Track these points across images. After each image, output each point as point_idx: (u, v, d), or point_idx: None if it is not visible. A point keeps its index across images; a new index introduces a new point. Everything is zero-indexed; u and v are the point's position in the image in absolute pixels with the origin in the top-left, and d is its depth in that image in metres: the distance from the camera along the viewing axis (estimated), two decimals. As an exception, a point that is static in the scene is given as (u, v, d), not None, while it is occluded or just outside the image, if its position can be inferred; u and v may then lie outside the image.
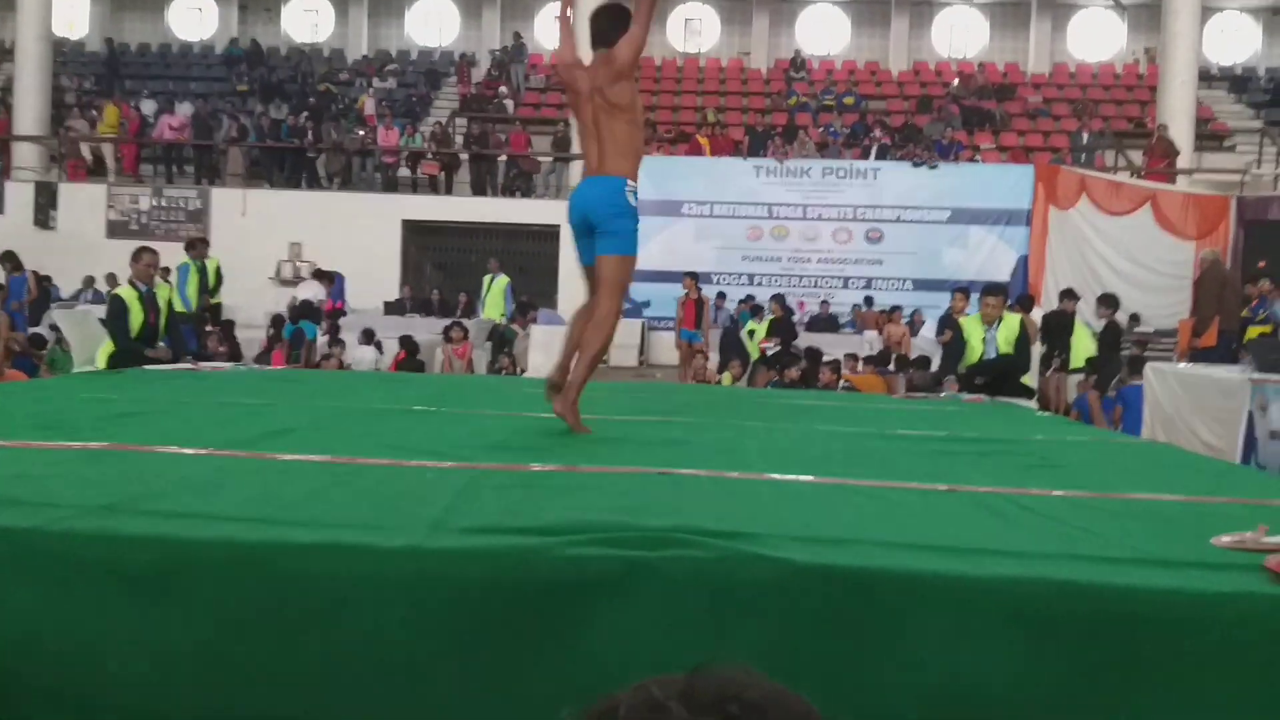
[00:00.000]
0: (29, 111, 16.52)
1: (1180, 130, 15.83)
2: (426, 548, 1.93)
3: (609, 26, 3.68)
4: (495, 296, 13.34)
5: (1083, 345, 9.18)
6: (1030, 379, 6.39)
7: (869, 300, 14.67)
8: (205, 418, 3.70)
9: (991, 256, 14.87)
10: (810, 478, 2.80)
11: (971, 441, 3.79)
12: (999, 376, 6.05)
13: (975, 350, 6.09)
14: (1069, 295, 9.99)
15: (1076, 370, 8.94)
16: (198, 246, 11.64)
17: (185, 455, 2.79)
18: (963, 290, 8.37)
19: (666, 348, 14.61)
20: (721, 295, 14.07)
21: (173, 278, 10.60)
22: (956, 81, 20.17)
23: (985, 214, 15.16)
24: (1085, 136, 17.17)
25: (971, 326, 6.16)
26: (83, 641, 1.91)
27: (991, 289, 6.38)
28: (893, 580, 1.84)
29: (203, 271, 11.41)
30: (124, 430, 3.22)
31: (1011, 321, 6.16)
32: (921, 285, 14.98)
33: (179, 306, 7.73)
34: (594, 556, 1.92)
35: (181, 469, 2.60)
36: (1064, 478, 2.98)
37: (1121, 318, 14.03)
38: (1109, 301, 9.54)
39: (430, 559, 1.91)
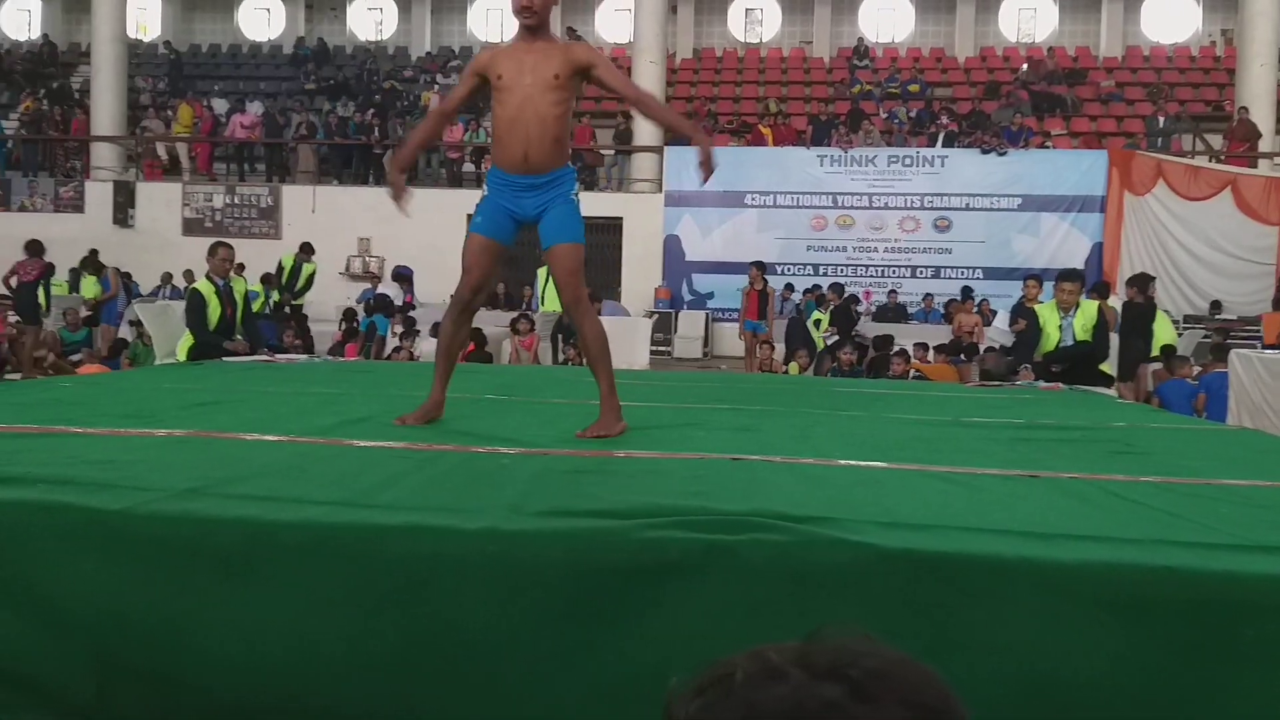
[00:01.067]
0: (106, 113, 17.01)
1: (1261, 113, 15.33)
2: (505, 529, 1.94)
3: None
4: (552, 289, 13.41)
5: (1163, 333, 8.93)
6: (1109, 366, 6.22)
7: (967, 291, 13.95)
8: (284, 406, 3.77)
9: (1064, 244, 14.56)
10: (886, 464, 2.75)
11: (1051, 428, 3.71)
12: (1076, 364, 5.91)
13: (1051, 338, 5.94)
14: (1140, 281, 9.66)
15: (1156, 358, 8.69)
16: (305, 250, 12.78)
17: (266, 442, 2.84)
18: (1035, 277, 8.19)
19: (730, 340, 14.56)
20: (789, 287, 13.97)
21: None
22: (1025, 67, 19.77)
23: (1057, 201, 14.84)
24: (1161, 121, 16.71)
25: (1047, 313, 6.01)
26: (171, 621, 1.95)
27: (1068, 274, 6.21)
28: (979, 565, 1.80)
29: (296, 272, 12.20)
30: (206, 418, 3.29)
31: (1089, 308, 6.00)
32: (992, 274, 14.72)
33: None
34: (672, 539, 1.91)
35: (263, 455, 2.65)
36: (1151, 464, 2.89)
37: (1200, 303, 13.63)
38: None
39: (508, 540, 1.92)
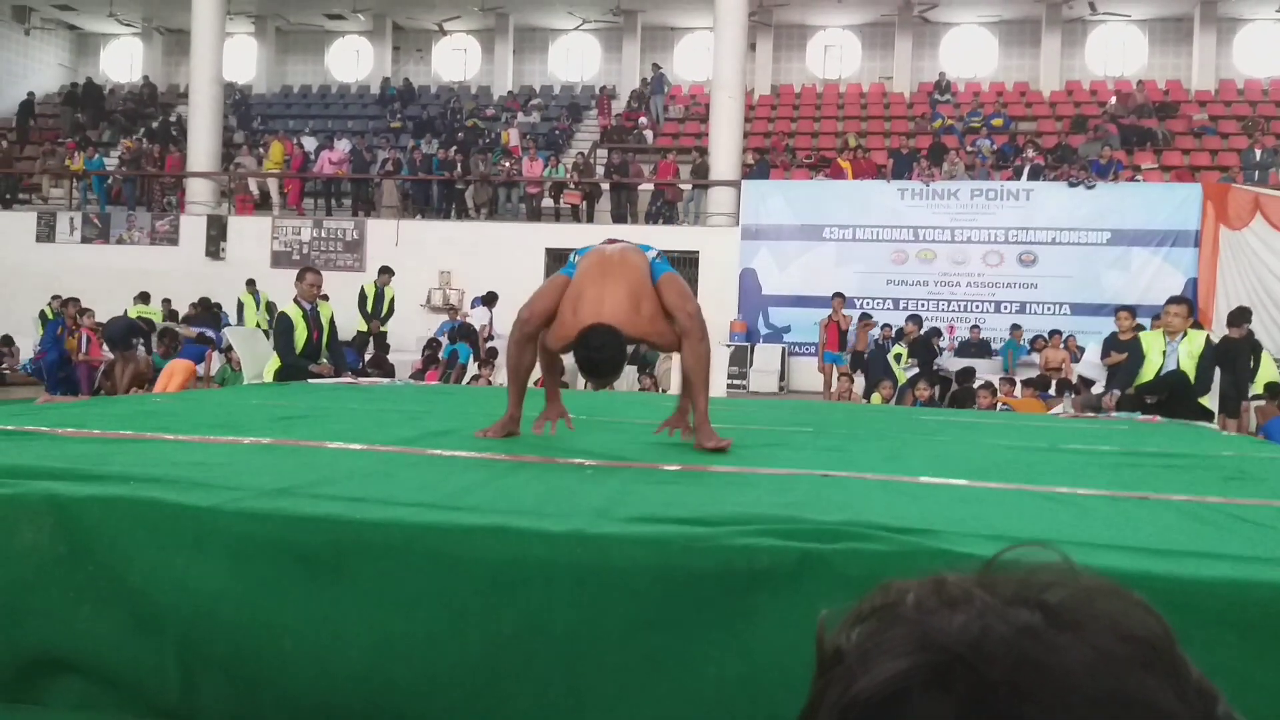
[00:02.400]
0: (202, 150, 17.61)
1: (1366, 144, 14.72)
2: (592, 533, 1.89)
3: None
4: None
5: (1266, 370, 8.57)
6: (1209, 401, 5.92)
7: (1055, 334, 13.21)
8: (368, 421, 3.79)
9: (1157, 279, 14.06)
10: (984, 483, 2.64)
11: (1155, 455, 3.53)
12: (1173, 396, 5.64)
13: (1153, 365, 5.67)
14: (1241, 318, 9.28)
15: (1258, 396, 8.33)
16: (385, 273, 13.12)
17: (352, 450, 2.84)
18: (1128, 309, 7.90)
19: (806, 374, 14.38)
20: (865, 317, 13.78)
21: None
22: (1114, 100, 19.33)
23: (1149, 235, 14.39)
24: (1258, 154, 16.17)
25: (1151, 339, 5.74)
26: (257, 618, 1.94)
27: (1176, 299, 5.93)
28: (1097, 578, 1.68)
29: (380, 298, 12.68)
30: (293, 430, 3.32)
31: (1196, 338, 5.71)
32: (1079, 310, 14.29)
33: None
34: (764, 547, 1.84)
35: (348, 461, 2.65)
36: (1269, 489, 2.73)
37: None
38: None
39: (596, 544, 1.87)
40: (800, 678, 1.46)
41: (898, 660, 0.45)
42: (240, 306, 13.92)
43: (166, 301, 14.98)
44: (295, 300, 6.79)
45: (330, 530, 1.94)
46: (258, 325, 12.97)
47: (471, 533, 1.90)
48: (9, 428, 2.93)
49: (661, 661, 1.81)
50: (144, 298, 14.48)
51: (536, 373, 3.65)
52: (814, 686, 0.51)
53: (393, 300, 13.09)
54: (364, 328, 12.71)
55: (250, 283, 14.25)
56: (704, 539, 1.87)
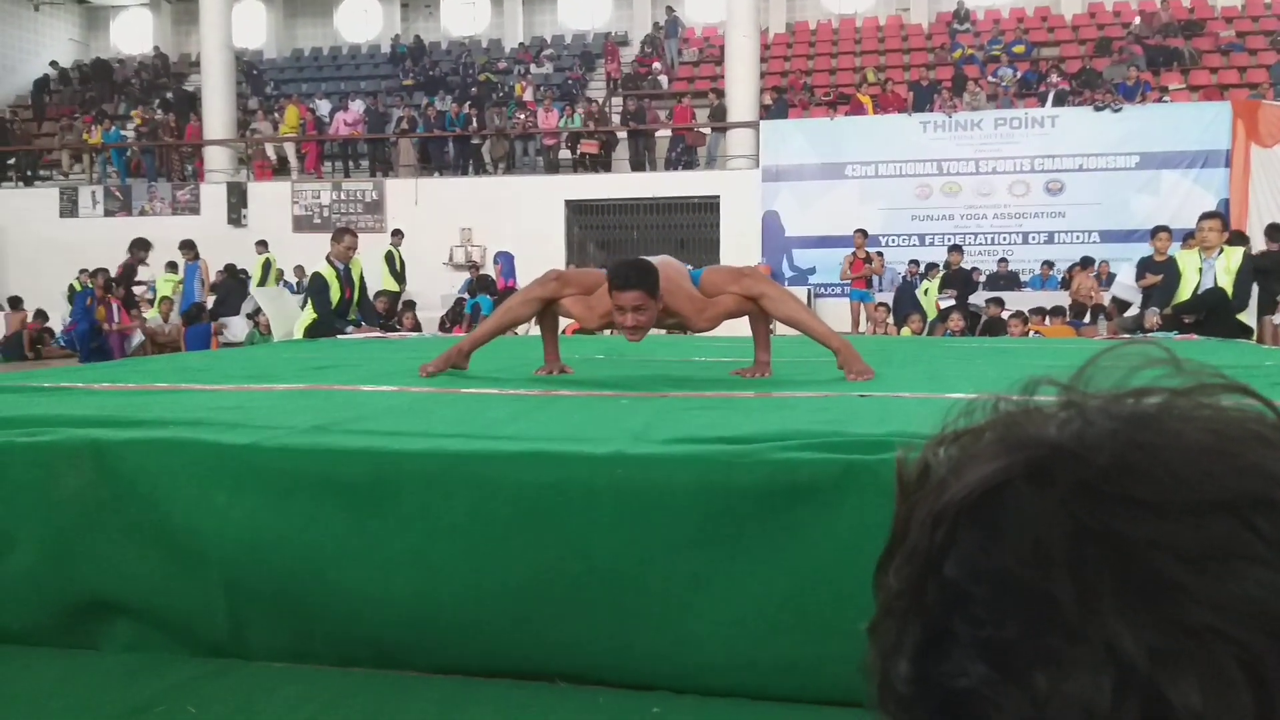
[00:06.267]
0: (217, 118, 17.58)
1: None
2: (632, 454, 1.87)
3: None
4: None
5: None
6: (1248, 317, 5.80)
7: (1087, 260, 12.81)
8: (400, 367, 3.79)
9: (1187, 201, 13.79)
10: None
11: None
12: (1211, 314, 5.53)
13: (1189, 283, 5.55)
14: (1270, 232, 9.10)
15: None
16: (396, 236, 13.50)
17: (386, 391, 2.84)
18: (1164, 229, 7.73)
19: (833, 314, 14.27)
20: (879, 254, 13.61)
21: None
22: (1138, 20, 18.87)
23: (1178, 157, 14.10)
24: (1289, 68, 15.77)
25: (1186, 258, 5.62)
26: (301, 552, 1.94)
27: (1210, 214, 5.78)
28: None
29: (390, 259, 12.50)
30: (326, 377, 3.32)
31: (1234, 253, 5.58)
32: (1109, 237, 14.06)
33: None
34: (807, 460, 1.81)
35: (383, 400, 2.65)
36: (1319, 391, 2.66)
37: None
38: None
39: (637, 464, 1.84)
40: (847, 591, 1.43)
41: (992, 462, 0.42)
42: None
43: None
44: (329, 260, 6.83)
45: (370, 462, 1.93)
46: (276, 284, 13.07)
47: (511, 458, 1.89)
48: (45, 384, 2.95)
49: (706, 581, 1.80)
50: (172, 267, 14.58)
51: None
52: (897, 514, 0.48)
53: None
54: (395, 288, 12.69)
55: (260, 244, 14.30)
56: (745, 455, 1.85)
